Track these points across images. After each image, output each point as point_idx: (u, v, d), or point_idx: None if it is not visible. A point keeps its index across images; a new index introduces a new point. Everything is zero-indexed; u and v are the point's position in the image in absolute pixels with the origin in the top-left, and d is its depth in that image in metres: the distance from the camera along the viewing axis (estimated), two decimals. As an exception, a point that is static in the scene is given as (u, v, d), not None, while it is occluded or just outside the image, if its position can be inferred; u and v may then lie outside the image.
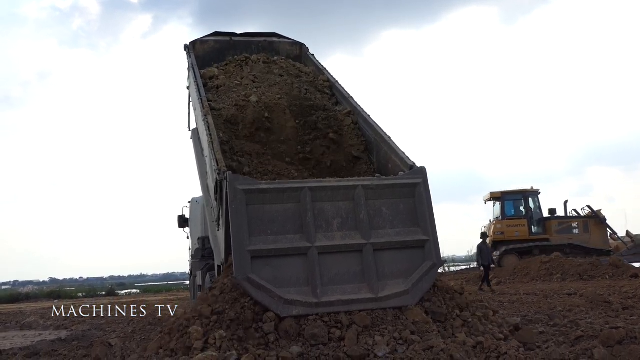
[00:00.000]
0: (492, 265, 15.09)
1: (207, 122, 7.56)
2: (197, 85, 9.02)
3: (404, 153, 7.16)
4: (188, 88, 10.64)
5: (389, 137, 7.72)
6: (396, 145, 7.44)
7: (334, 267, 5.86)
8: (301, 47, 11.33)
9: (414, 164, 6.76)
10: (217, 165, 6.44)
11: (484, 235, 16.84)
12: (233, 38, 11.17)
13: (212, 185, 7.06)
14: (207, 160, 7.59)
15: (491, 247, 22.65)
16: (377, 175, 7.23)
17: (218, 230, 6.83)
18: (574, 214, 22.97)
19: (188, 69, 10.30)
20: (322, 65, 10.43)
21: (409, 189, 6.37)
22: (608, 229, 22.61)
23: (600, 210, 22.53)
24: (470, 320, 5.89)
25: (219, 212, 6.55)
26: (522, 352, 5.06)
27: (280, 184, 6.20)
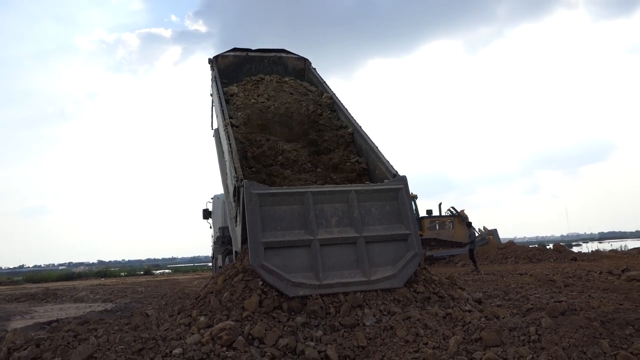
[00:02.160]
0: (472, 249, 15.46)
1: (228, 132, 7.43)
2: (219, 95, 8.81)
3: (388, 162, 7.12)
4: (211, 95, 10.33)
5: (377, 147, 7.62)
6: (382, 155, 7.38)
7: (333, 256, 5.82)
8: (305, 61, 11.02)
9: (397, 172, 6.72)
10: (236, 172, 6.36)
11: (469, 225, 17.11)
12: (249, 53, 10.85)
13: (231, 187, 6.99)
14: (227, 164, 7.50)
15: None
16: (367, 182, 7.19)
17: (236, 225, 6.77)
18: (449, 214, 23.17)
19: (211, 80, 10.04)
20: (322, 79, 10.18)
21: (393, 193, 6.35)
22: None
23: (462, 210, 22.97)
24: (445, 296, 5.89)
25: (237, 211, 6.50)
26: (483, 321, 5.05)
27: (287, 189, 6.12)
